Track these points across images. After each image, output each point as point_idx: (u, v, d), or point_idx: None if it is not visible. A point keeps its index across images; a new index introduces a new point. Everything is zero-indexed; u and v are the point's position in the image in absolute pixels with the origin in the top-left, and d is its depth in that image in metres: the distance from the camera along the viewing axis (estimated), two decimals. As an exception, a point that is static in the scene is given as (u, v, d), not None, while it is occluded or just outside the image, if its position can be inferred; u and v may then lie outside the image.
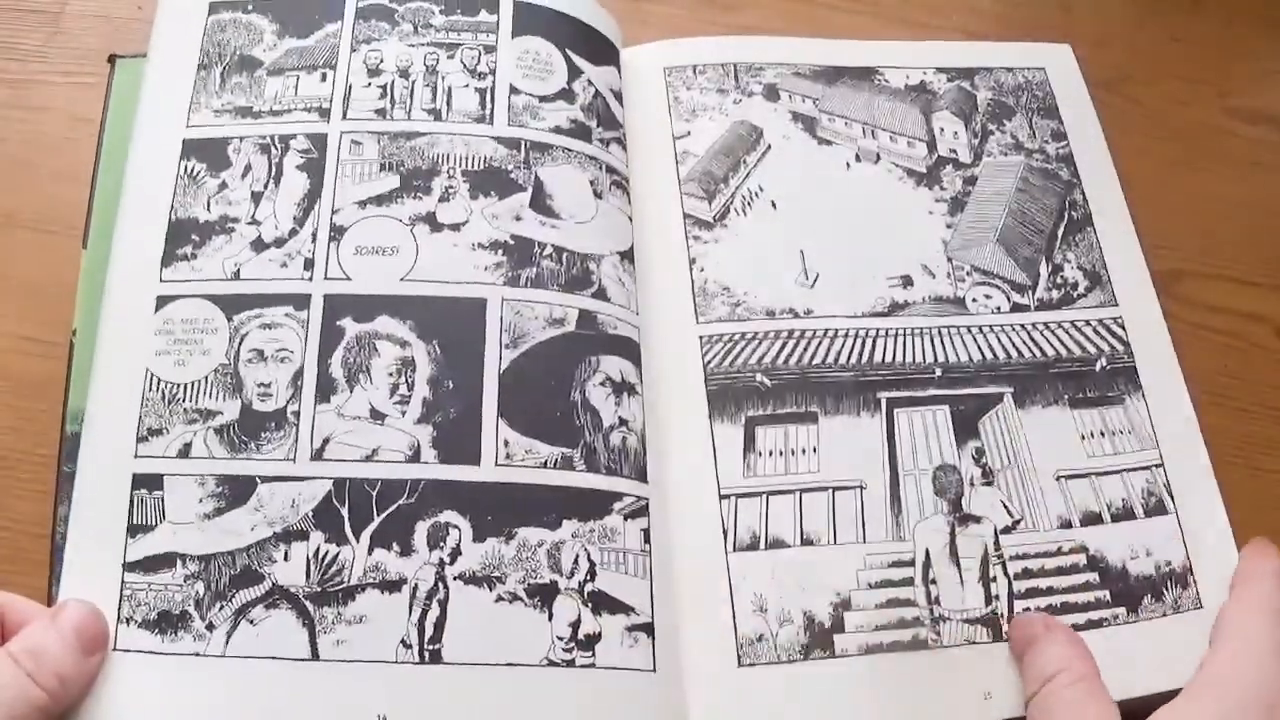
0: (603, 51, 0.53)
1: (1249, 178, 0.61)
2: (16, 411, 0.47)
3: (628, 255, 0.49)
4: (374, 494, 0.42)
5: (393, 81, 0.50)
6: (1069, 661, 0.40)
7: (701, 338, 0.49)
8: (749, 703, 0.42)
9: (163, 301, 0.45)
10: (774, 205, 0.52)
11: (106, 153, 0.48)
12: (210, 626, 0.40)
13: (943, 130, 0.56)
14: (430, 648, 0.40)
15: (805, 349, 0.49)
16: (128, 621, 0.40)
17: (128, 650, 0.39)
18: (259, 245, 0.46)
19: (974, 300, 0.51)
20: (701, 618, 0.43)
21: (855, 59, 0.57)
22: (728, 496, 0.46)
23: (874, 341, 0.50)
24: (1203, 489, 0.48)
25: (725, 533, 0.45)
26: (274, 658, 0.39)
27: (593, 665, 0.41)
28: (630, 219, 0.50)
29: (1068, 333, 0.51)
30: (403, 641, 0.40)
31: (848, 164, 0.54)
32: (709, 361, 0.48)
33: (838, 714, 0.42)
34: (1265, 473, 0.52)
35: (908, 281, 0.51)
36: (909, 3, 0.64)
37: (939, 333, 0.50)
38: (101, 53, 0.51)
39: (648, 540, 0.44)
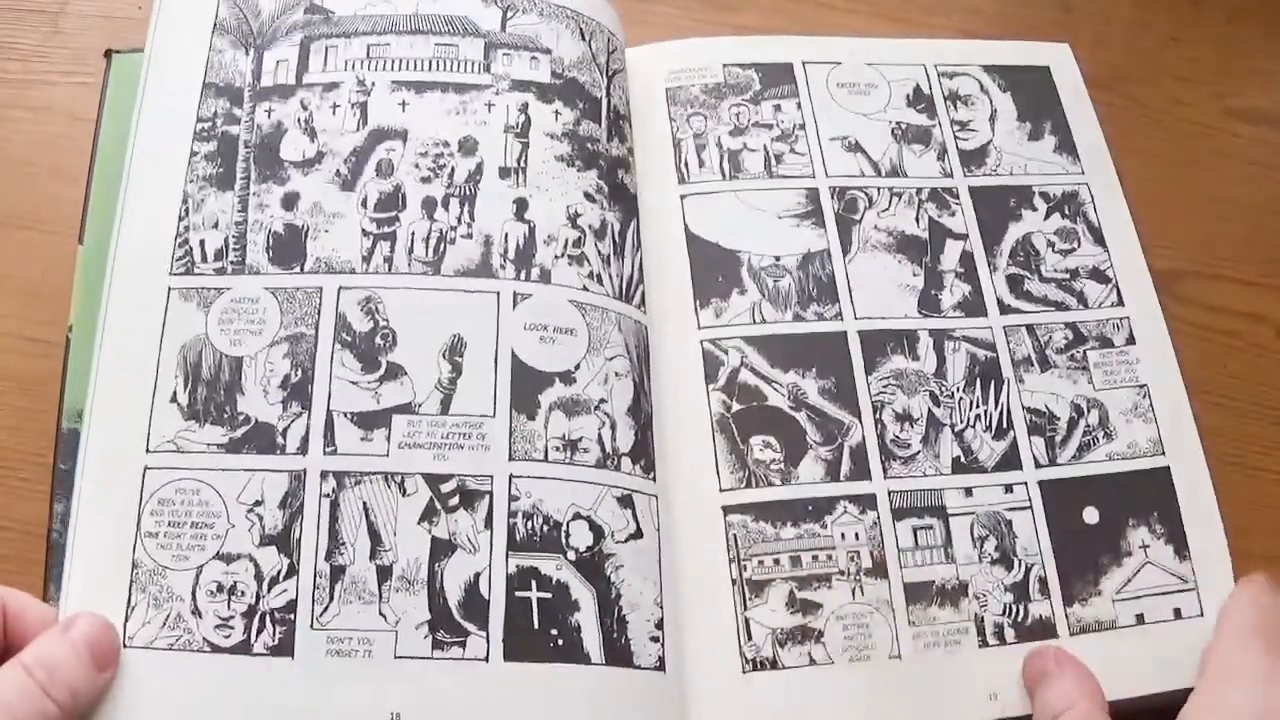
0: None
1: (1249, 178, 0.61)
2: (16, 411, 0.47)
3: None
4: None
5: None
6: (1075, 699, 0.40)
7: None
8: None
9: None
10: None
11: (102, 148, 0.47)
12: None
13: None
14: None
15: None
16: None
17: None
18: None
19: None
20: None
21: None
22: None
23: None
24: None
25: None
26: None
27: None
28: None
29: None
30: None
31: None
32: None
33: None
34: (1265, 473, 0.52)
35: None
36: (909, 2, 0.64)
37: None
38: (101, 53, 0.51)
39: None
